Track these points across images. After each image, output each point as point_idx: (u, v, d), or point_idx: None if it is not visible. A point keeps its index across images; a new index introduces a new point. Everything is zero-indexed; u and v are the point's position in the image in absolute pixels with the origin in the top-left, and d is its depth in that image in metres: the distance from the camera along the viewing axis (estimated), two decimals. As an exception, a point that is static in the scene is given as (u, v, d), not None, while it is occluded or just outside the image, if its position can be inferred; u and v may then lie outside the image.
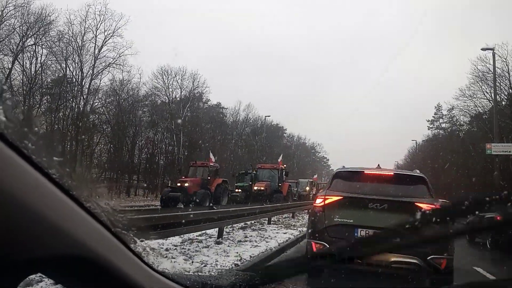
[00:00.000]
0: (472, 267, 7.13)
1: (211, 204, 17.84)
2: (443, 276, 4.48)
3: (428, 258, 4.38)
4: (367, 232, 4.68)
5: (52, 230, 0.59)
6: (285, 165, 25.93)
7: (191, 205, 16.99)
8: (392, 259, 4.40)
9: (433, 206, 4.62)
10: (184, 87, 38.47)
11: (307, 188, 34.24)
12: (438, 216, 0.94)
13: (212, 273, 1.31)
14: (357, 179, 5.25)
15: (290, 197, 24.45)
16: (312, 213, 5.37)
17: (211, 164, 22.49)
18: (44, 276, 0.72)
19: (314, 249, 4.83)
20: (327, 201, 4.98)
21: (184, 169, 25.96)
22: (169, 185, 23.05)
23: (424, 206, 4.64)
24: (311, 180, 37.03)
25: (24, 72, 25.03)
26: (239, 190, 22.42)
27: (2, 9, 23.32)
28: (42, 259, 0.60)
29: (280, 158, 26.48)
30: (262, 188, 21.70)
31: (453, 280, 4.65)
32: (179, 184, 19.90)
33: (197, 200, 17.83)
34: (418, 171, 5.77)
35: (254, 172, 24.07)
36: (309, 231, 5.19)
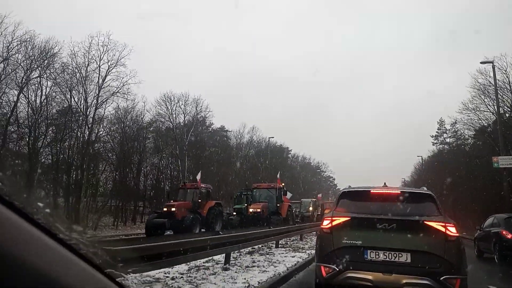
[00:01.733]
0: (487, 286, 6.91)
1: (202, 230, 17.03)
2: None
3: (441, 278, 4.25)
4: (376, 253, 4.58)
5: (40, 277, 0.56)
6: (283, 184, 23.73)
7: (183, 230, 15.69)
8: (404, 281, 4.33)
9: (442, 224, 4.56)
10: (188, 112, 38.89)
11: (311, 209, 32.70)
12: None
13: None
14: (363, 198, 5.18)
15: (291, 219, 22.41)
16: (319, 236, 5.27)
17: (202, 185, 20.51)
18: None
19: (324, 273, 4.73)
20: (334, 223, 4.89)
21: (172, 193, 24.01)
22: (155, 210, 20.93)
23: (433, 224, 4.57)
24: (314, 199, 35.39)
25: (30, 104, 25.41)
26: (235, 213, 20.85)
27: (8, 45, 23.90)
28: None
29: (278, 175, 24.22)
30: (259, 210, 19.59)
31: None
32: (165, 209, 18.01)
33: (186, 226, 16.54)
34: (425, 188, 5.66)
35: (249, 192, 22.04)
36: (318, 254, 5.10)
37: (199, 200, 19.36)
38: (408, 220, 4.63)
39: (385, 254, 4.53)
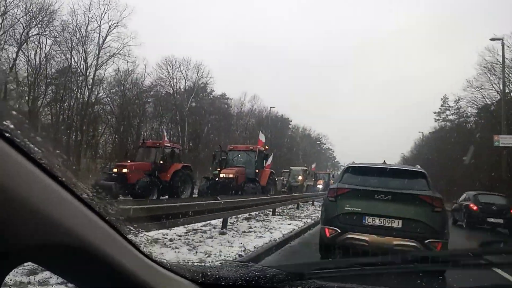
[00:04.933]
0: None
1: (163, 197, 14.09)
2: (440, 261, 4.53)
3: (426, 241, 4.95)
4: (373, 219, 5.27)
5: (41, 219, 0.57)
6: (266, 147, 19.57)
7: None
8: (395, 242, 5.05)
9: (430, 197, 5.28)
10: (189, 77, 38.47)
11: (300, 178, 28.40)
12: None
13: (215, 263, 1.26)
14: (365, 173, 5.95)
15: (273, 188, 18.64)
16: (325, 203, 6.01)
17: (167, 144, 16.85)
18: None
19: (327, 234, 5.46)
20: (339, 192, 5.63)
21: (131, 152, 20.13)
22: (107, 171, 16.82)
23: (422, 197, 5.26)
24: (305, 168, 31.85)
25: (29, 63, 25.05)
26: (216, 178, 16.68)
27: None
28: (31, 248, 0.58)
29: (261, 136, 19.94)
30: (231, 175, 16.10)
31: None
32: (115, 170, 14.69)
33: (139, 191, 13.80)
34: (419, 166, 6.47)
35: (223, 157, 18.09)
36: (323, 218, 5.84)
37: (161, 162, 15.94)
38: (401, 193, 5.29)
39: (380, 220, 5.27)
